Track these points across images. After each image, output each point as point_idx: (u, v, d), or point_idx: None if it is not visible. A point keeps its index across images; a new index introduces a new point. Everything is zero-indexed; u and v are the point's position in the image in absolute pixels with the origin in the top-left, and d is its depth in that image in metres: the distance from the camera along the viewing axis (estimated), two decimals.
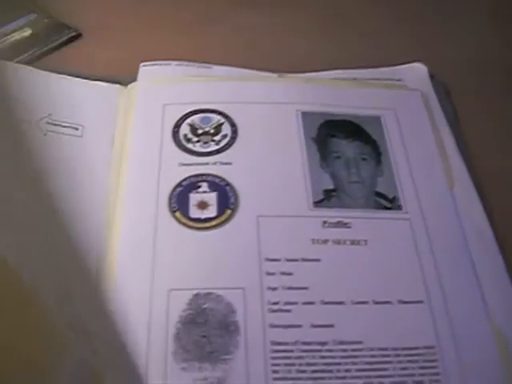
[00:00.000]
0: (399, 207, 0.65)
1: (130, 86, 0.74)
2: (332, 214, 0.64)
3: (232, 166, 0.66)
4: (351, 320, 0.57)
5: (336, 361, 0.55)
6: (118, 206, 0.63)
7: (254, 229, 0.62)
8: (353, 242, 0.62)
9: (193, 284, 0.58)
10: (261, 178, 0.66)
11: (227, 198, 0.64)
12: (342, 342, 0.55)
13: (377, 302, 0.58)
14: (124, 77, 0.75)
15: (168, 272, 0.59)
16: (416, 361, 0.55)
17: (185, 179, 0.65)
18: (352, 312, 0.58)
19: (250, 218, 0.62)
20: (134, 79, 0.75)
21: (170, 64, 0.77)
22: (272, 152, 0.68)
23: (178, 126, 0.70)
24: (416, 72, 0.79)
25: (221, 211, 0.63)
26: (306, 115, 0.71)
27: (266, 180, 0.66)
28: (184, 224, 0.62)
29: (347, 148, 0.69)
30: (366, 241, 0.62)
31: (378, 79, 0.78)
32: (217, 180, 0.65)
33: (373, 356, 0.55)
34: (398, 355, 0.55)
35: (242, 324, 0.56)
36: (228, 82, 0.75)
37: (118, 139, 0.68)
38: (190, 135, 0.69)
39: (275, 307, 0.57)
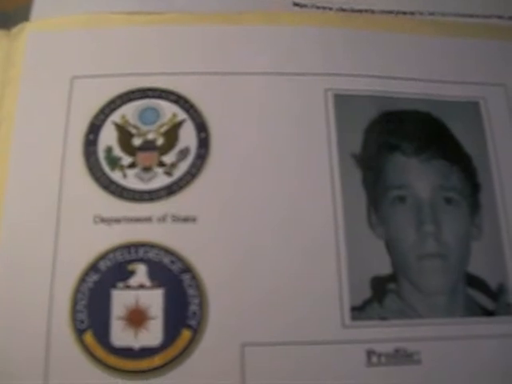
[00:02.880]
0: (508, 309, 0.33)
1: (14, 29, 0.37)
2: (385, 333, 0.32)
3: (196, 227, 0.33)
4: None
5: None
6: None
7: (233, 374, 0.31)
8: None
9: None
10: (251, 254, 0.33)
11: (185, 304, 0.32)
12: None
13: None
14: (9, 10, 0.38)
15: None
16: None
17: (104, 255, 0.32)
18: None
19: (226, 350, 0.31)
20: (26, 16, 0.38)
21: None
22: (273, 190, 0.34)
23: (95, 127, 0.34)
24: None
25: (172, 335, 0.31)
26: (342, 101, 0.36)
27: (259, 260, 0.32)
28: (100, 361, 0.31)
29: (419, 176, 0.35)
30: None
31: (471, 15, 0.40)
32: (166, 260, 0.32)
33: None
34: None
35: None
36: (195, 26, 0.37)
37: None
38: (117, 151, 0.34)
39: None
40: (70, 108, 0.35)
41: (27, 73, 0.36)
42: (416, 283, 0.33)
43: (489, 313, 0.33)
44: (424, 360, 0.32)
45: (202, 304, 0.32)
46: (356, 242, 0.33)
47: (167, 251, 0.32)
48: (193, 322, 0.31)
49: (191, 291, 0.32)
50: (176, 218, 0.33)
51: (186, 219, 0.33)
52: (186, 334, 0.31)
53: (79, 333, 0.31)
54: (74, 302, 0.32)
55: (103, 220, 0.33)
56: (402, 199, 0.34)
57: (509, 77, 0.38)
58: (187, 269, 0.32)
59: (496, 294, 0.34)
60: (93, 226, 0.33)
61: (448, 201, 0.35)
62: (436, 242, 0.34)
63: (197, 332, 0.31)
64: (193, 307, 0.32)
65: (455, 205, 0.35)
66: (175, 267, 0.32)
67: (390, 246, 0.34)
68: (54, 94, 0.35)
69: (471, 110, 0.37)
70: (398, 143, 0.35)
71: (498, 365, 0.32)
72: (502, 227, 0.35)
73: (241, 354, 0.31)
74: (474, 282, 0.34)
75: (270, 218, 0.33)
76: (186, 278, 0.32)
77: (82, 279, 0.32)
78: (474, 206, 0.35)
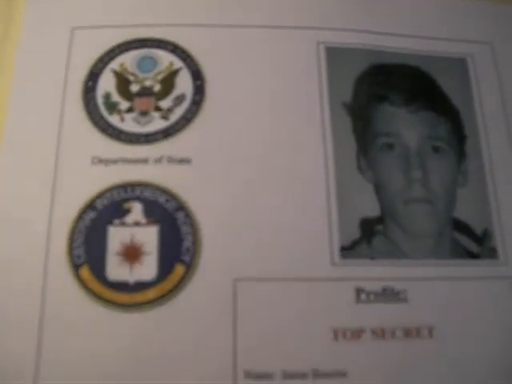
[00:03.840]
0: (492, 252, 0.34)
1: None
2: (374, 272, 0.32)
3: (191, 168, 0.33)
4: None
5: None
6: None
7: (226, 308, 0.31)
8: (408, 333, 0.32)
9: None
10: (243, 195, 0.33)
11: (179, 241, 0.32)
12: None
13: None
14: None
15: None
16: None
17: (101, 194, 0.33)
18: None
19: (219, 285, 0.31)
20: None
21: None
22: (266, 136, 0.34)
23: (94, 75, 0.35)
24: None
25: (166, 269, 0.31)
26: (334, 54, 0.36)
27: (251, 200, 0.33)
28: (95, 294, 0.31)
29: (407, 125, 0.35)
30: (430, 328, 0.32)
31: None
32: (161, 198, 0.33)
33: None
34: None
35: None
36: None
37: None
38: (116, 96, 0.34)
39: None
40: (69, 57, 0.35)
41: (28, 24, 0.36)
42: (403, 226, 0.34)
43: (474, 256, 0.34)
44: (411, 298, 0.32)
45: (196, 240, 0.32)
46: (346, 185, 0.34)
47: (163, 190, 0.33)
48: (186, 258, 0.32)
49: (185, 228, 0.32)
50: (171, 160, 0.33)
51: (181, 161, 0.33)
52: (179, 269, 0.31)
53: (76, 267, 0.31)
54: (71, 239, 0.32)
55: (101, 161, 0.33)
56: (390, 146, 0.35)
57: (495, 35, 0.38)
58: (181, 207, 0.32)
59: (481, 239, 0.34)
60: (90, 167, 0.33)
61: (435, 149, 0.35)
62: (423, 187, 0.34)
63: (190, 267, 0.31)
64: (186, 243, 0.32)
65: (442, 153, 0.35)
66: (170, 205, 0.32)
67: (379, 190, 0.34)
68: (55, 44, 0.35)
69: (459, 65, 0.37)
70: (387, 94, 0.36)
71: (482, 305, 0.33)
72: (487, 176, 0.35)
73: (233, 289, 0.31)
74: (459, 226, 0.34)
75: (262, 160, 0.34)
76: (180, 215, 0.32)
77: (80, 217, 0.32)
78: (461, 156, 0.35)
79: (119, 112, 0.34)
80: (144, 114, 0.34)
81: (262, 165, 0.33)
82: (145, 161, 0.33)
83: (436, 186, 0.34)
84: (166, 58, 0.35)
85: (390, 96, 0.36)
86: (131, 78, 0.35)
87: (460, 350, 0.32)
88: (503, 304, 0.33)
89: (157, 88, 0.34)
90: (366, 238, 0.33)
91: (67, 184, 0.33)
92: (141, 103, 0.34)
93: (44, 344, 0.30)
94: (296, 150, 0.34)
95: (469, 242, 0.34)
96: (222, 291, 0.31)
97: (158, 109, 0.34)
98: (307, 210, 0.33)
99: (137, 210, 0.32)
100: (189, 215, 0.32)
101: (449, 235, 0.34)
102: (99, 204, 0.32)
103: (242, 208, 0.33)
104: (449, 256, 0.33)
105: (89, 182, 0.33)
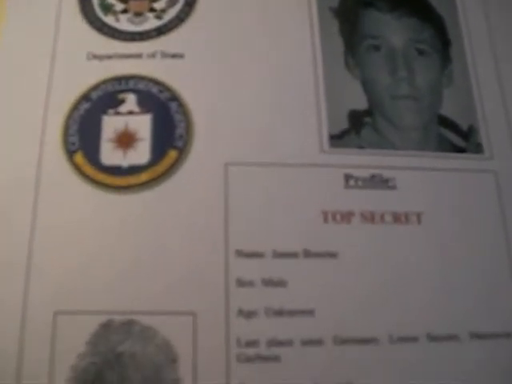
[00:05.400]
0: (478, 147, 0.34)
1: None
2: (363, 160, 0.32)
3: (184, 62, 0.33)
4: (388, 368, 0.29)
5: None
6: None
7: (217, 190, 0.30)
8: (397, 218, 0.31)
9: (100, 302, 0.29)
10: (234, 86, 0.33)
11: (172, 128, 0.32)
12: None
13: (434, 338, 0.30)
14: None
15: (54, 277, 0.28)
16: None
17: (96, 87, 0.32)
18: (392, 356, 0.29)
19: (211, 169, 0.31)
20: None
21: None
22: (256, 35, 0.34)
23: None
24: None
25: (159, 154, 0.31)
26: None
27: (242, 91, 0.33)
28: (89, 178, 0.30)
29: (393, 30, 0.35)
30: (419, 215, 0.32)
31: None
32: (154, 89, 0.32)
33: None
34: None
35: None
36: None
37: None
38: None
39: (251, 352, 0.29)
40: None
41: None
42: (390, 119, 0.33)
43: (460, 150, 0.33)
44: (399, 186, 0.32)
45: (188, 127, 0.31)
46: (334, 79, 0.33)
47: (156, 82, 0.32)
48: (179, 143, 0.31)
49: (178, 116, 0.31)
50: (165, 55, 0.33)
51: (174, 55, 0.33)
52: (172, 154, 0.31)
53: (70, 153, 0.31)
54: (66, 127, 0.31)
55: (95, 56, 0.33)
56: (376, 47, 0.35)
57: None
58: (174, 97, 0.32)
59: (467, 134, 0.34)
60: (86, 62, 0.33)
61: (420, 52, 0.35)
62: (409, 85, 0.34)
63: (183, 152, 0.31)
64: (179, 130, 0.31)
65: (426, 56, 0.35)
66: (163, 96, 0.32)
67: (366, 86, 0.34)
68: None
69: None
70: (373, 1, 0.36)
71: (468, 195, 0.32)
72: (471, 76, 0.35)
73: (224, 173, 0.31)
74: (446, 122, 0.34)
75: (252, 55, 0.33)
76: (173, 105, 0.32)
77: (75, 107, 0.32)
78: (445, 59, 0.35)
79: (114, 13, 0.34)
80: (138, 14, 0.34)
81: (252, 59, 0.33)
82: (139, 56, 0.33)
83: (421, 84, 0.34)
84: None
85: (375, 3, 0.36)
86: None
87: (446, 236, 0.31)
88: (487, 195, 0.32)
89: None
90: (355, 128, 0.33)
91: (63, 77, 0.32)
92: (135, 5, 0.34)
93: (38, 224, 0.29)
94: (285, 48, 0.33)
95: (455, 137, 0.34)
96: (213, 175, 0.31)
97: (152, 10, 0.34)
98: (297, 101, 0.32)
99: (131, 101, 0.32)
100: (181, 104, 0.32)
101: (435, 130, 0.33)
102: (94, 95, 0.32)
103: (233, 98, 0.32)
104: (435, 149, 0.33)
105: (84, 75, 0.32)
